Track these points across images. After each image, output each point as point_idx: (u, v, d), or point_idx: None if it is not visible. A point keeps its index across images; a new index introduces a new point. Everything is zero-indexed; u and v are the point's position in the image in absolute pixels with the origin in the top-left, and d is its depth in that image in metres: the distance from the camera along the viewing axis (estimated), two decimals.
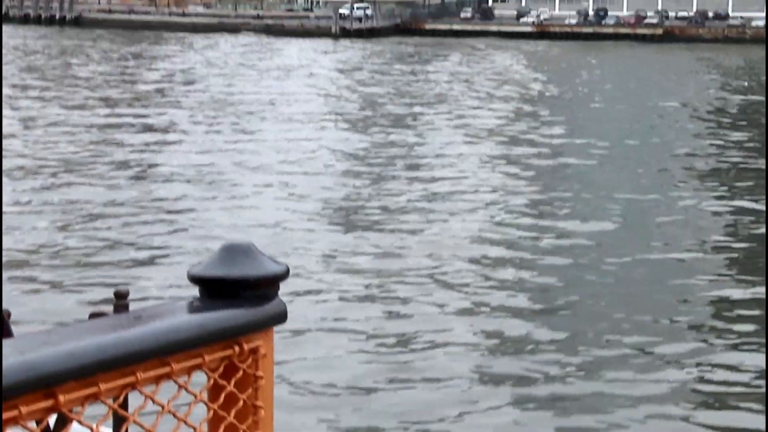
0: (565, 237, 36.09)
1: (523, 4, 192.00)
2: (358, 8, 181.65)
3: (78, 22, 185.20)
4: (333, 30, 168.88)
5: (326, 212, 41.99)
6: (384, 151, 59.89)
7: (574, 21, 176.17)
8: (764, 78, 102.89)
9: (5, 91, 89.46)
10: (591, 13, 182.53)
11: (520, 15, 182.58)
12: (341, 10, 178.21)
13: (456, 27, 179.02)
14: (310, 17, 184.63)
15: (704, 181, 48.98)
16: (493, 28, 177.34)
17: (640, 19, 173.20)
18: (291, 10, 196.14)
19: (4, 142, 60.26)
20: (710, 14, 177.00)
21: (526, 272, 31.11)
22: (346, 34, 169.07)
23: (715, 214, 40.61)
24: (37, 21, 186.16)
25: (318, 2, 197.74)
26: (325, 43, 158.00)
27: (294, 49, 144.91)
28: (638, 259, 31.92)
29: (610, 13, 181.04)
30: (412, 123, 76.18)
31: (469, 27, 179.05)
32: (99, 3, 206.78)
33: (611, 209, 42.12)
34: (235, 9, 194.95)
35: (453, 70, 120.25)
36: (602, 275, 30.35)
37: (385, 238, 36.88)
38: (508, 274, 30.60)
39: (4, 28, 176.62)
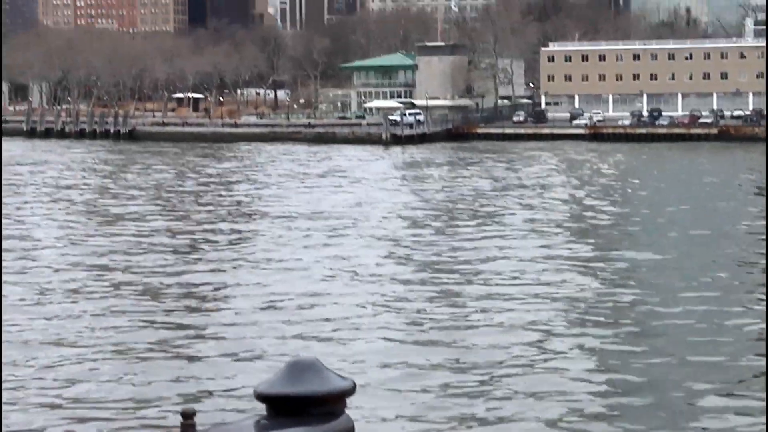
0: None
1: (576, 106, 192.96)
2: (409, 114, 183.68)
3: (132, 135, 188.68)
4: (383, 137, 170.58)
5: (399, 320, 42.30)
6: (455, 256, 60.77)
7: (627, 122, 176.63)
8: None
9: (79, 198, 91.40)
10: (645, 113, 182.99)
11: (573, 117, 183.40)
12: (392, 117, 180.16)
13: (508, 131, 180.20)
14: (361, 125, 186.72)
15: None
16: (546, 130, 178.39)
17: (694, 119, 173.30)
18: (344, 117, 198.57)
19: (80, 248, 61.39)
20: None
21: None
22: (396, 140, 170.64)
23: None
24: (92, 136, 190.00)
25: (370, 109, 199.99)
26: (376, 150, 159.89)
27: (346, 157, 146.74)
28: None
29: (664, 113, 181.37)
30: (474, 226, 76.71)
31: (521, 130, 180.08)
32: (153, 116, 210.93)
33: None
34: (288, 118, 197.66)
35: (506, 174, 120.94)
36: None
37: (451, 335, 37.06)
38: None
39: (62, 143, 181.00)
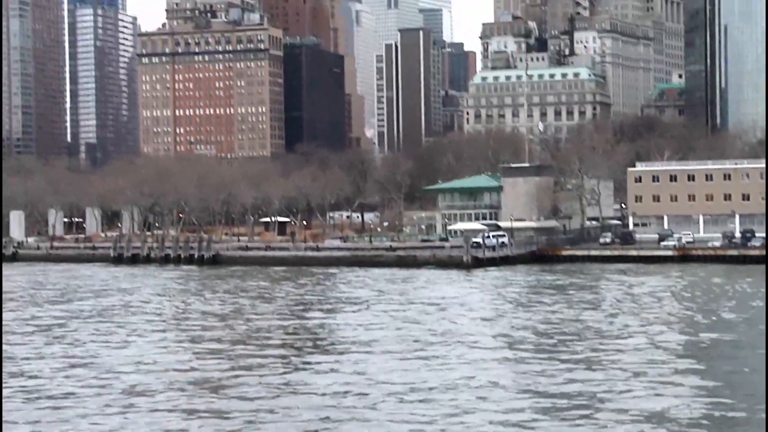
0: None
1: (666, 227, 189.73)
2: (493, 236, 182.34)
3: (216, 260, 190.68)
4: (465, 259, 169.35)
5: None
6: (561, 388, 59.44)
7: (718, 243, 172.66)
8: None
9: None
10: (738, 235, 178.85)
11: (661, 239, 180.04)
12: (475, 239, 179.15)
13: (594, 253, 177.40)
14: (444, 247, 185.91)
15: None
16: (633, 252, 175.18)
17: None
18: (427, 240, 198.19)
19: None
20: None
21: None
22: (478, 263, 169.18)
23: None
24: (177, 261, 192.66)
25: (454, 231, 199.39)
26: (458, 274, 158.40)
27: (426, 281, 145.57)
28: None
29: (758, 234, 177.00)
30: (571, 356, 74.63)
31: (607, 252, 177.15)
32: (239, 240, 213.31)
33: None
34: (371, 242, 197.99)
35: (596, 298, 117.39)
36: None
37: None
38: None
39: (148, 268, 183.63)
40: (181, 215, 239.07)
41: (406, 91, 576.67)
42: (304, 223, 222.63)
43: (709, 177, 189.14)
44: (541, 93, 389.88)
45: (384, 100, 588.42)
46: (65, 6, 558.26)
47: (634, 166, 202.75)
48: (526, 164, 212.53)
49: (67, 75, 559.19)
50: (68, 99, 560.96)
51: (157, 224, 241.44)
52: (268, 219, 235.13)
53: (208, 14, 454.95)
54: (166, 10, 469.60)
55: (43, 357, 79.56)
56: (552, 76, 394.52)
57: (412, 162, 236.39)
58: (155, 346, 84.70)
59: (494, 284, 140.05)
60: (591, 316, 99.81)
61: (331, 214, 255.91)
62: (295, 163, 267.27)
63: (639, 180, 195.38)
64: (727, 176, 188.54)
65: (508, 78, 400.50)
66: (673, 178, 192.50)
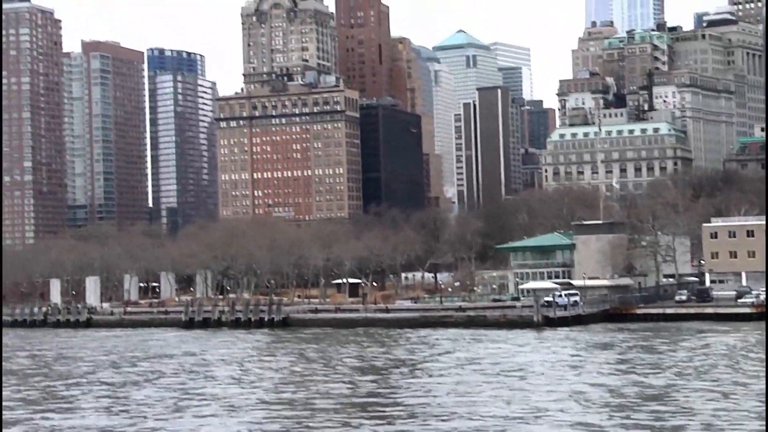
0: None
1: (744, 283, 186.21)
2: (565, 295, 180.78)
3: (286, 323, 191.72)
4: (535, 319, 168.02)
5: None
6: None
7: None
8: None
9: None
10: None
11: (739, 296, 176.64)
12: (546, 298, 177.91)
13: (669, 311, 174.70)
14: (516, 306, 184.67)
15: None
16: (709, 310, 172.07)
17: None
18: (498, 300, 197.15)
19: None
20: None
21: None
22: (549, 322, 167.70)
23: None
24: (248, 325, 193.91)
25: (526, 291, 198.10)
26: (527, 334, 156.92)
27: (496, 342, 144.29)
28: None
29: None
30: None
31: (682, 310, 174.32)
32: (309, 302, 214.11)
33: None
34: (441, 302, 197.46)
35: (676, 361, 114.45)
36: None
37: None
38: None
39: (218, 332, 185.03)
40: (250, 279, 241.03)
41: (485, 150, 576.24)
42: (374, 284, 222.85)
43: None
44: (620, 149, 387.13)
45: (463, 159, 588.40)
46: (145, 73, 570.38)
47: (710, 221, 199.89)
48: (599, 221, 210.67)
49: (148, 140, 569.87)
50: (149, 164, 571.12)
51: (228, 287, 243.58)
52: (340, 281, 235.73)
53: (285, 78, 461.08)
54: (244, 75, 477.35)
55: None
56: (631, 131, 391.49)
57: (482, 221, 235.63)
58: (223, 408, 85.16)
59: (566, 345, 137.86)
60: (678, 383, 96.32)
61: (405, 275, 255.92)
62: (370, 223, 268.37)
63: (715, 236, 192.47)
64: None
65: (585, 135, 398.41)
66: (750, 233, 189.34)
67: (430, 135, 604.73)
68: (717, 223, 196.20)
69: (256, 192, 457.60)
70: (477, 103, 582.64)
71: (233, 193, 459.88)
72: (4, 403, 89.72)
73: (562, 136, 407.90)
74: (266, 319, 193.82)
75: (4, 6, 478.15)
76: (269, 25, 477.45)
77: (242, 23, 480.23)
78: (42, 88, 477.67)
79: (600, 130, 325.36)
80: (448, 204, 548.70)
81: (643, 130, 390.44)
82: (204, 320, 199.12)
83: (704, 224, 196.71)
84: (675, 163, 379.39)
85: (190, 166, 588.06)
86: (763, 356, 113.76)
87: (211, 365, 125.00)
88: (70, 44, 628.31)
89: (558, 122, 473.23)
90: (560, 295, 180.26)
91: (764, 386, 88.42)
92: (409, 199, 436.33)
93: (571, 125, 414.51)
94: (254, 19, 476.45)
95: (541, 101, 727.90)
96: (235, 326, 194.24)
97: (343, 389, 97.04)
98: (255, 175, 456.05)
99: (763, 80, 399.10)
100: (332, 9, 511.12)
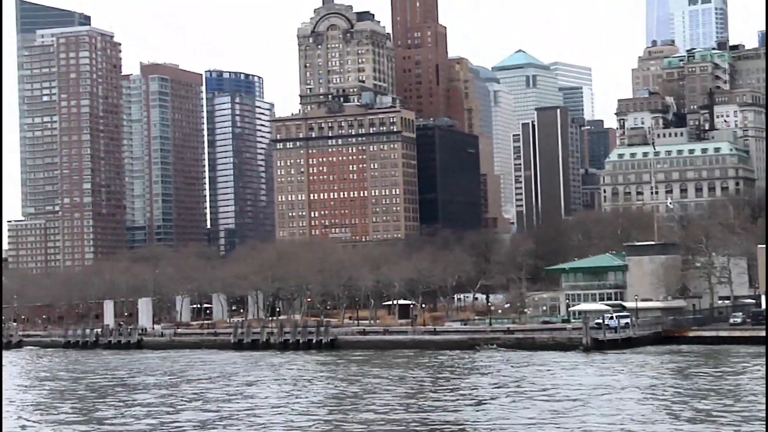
0: None
1: None
2: (617, 317, 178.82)
3: (333, 345, 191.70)
4: (584, 341, 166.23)
5: None
6: None
7: None
8: None
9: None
10: None
11: None
12: (597, 320, 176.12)
13: (722, 333, 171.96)
14: (566, 329, 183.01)
15: None
16: (763, 333, 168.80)
17: None
18: (547, 322, 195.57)
19: None
20: None
21: None
22: (598, 345, 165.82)
23: None
24: (296, 346, 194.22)
25: (577, 313, 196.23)
26: (575, 357, 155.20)
27: (543, 365, 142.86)
28: None
29: None
30: None
31: (736, 333, 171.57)
32: (358, 324, 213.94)
33: None
34: (490, 324, 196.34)
35: (743, 387, 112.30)
36: None
37: None
38: None
39: (266, 354, 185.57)
40: (309, 299, 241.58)
41: (544, 170, 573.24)
42: (422, 306, 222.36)
43: None
44: (680, 169, 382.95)
45: (522, 179, 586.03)
46: (204, 95, 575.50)
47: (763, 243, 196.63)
48: (652, 242, 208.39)
49: (206, 162, 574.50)
50: (207, 186, 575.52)
51: (279, 309, 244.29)
52: (390, 302, 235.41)
53: (341, 99, 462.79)
54: (300, 96, 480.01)
55: None
56: (691, 151, 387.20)
57: (534, 242, 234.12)
58: None
59: (619, 368, 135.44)
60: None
61: (458, 296, 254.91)
62: (423, 245, 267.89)
63: None
64: None
65: (644, 154, 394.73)
66: None
67: (488, 155, 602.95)
68: None
69: (312, 213, 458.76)
70: (536, 123, 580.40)
71: (290, 214, 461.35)
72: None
73: (620, 156, 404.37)
74: (314, 341, 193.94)
75: (65, 30, 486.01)
76: (326, 46, 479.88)
77: (299, 44, 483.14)
78: (101, 111, 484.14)
79: (654, 149, 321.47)
80: (506, 225, 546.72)
81: (704, 150, 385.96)
82: (252, 342, 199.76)
83: (759, 245, 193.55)
84: (737, 183, 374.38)
85: (248, 188, 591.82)
86: None
87: (256, 387, 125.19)
88: (129, 66, 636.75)
89: (618, 142, 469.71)
90: (611, 317, 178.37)
91: None
92: (467, 219, 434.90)
93: (630, 145, 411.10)
94: (311, 40, 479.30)
95: (602, 121, 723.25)
96: (284, 348, 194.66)
97: (395, 417, 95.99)
98: (312, 196, 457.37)
99: None
100: (389, 30, 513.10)
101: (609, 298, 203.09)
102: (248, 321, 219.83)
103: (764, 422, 47.06)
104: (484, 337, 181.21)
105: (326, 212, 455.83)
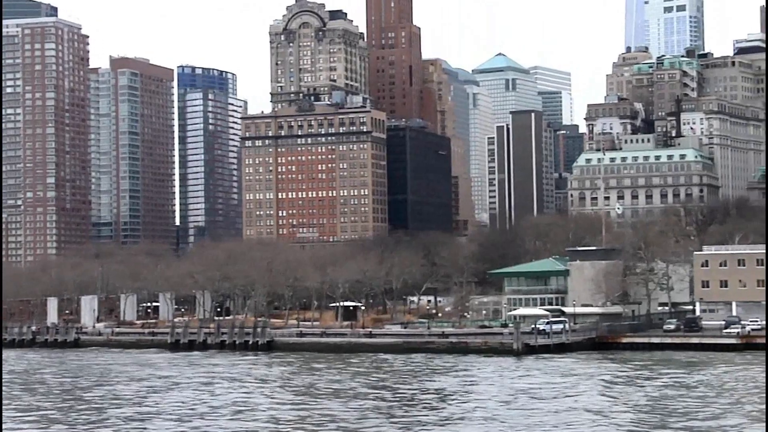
0: None
1: (734, 313, 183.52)
2: (552, 322, 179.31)
3: (270, 346, 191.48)
4: (515, 347, 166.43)
5: None
6: None
7: None
8: None
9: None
10: None
11: (728, 326, 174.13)
12: (536, 325, 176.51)
13: (654, 340, 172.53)
14: (503, 333, 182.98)
15: None
16: (695, 340, 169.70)
17: None
18: (484, 326, 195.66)
19: None
20: None
21: None
22: (531, 350, 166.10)
23: None
24: (232, 347, 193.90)
25: (516, 317, 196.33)
26: (506, 362, 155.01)
27: (471, 370, 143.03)
28: None
29: None
30: None
31: (668, 339, 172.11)
32: (298, 326, 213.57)
33: None
34: (428, 327, 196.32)
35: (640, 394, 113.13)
36: None
37: None
38: None
39: (199, 354, 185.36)
40: (265, 299, 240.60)
41: (517, 174, 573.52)
42: (363, 308, 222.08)
43: None
44: (646, 175, 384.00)
45: (496, 182, 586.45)
46: (175, 91, 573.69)
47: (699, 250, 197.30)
48: (594, 248, 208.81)
49: (177, 159, 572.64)
50: (177, 183, 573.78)
51: (229, 309, 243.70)
52: (337, 304, 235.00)
53: (312, 97, 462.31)
54: (271, 94, 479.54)
55: None
56: (657, 157, 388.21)
57: (478, 246, 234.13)
58: None
59: (545, 374, 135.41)
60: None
61: (411, 299, 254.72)
62: (374, 246, 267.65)
63: (706, 264, 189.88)
64: None
65: (612, 160, 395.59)
66: (741, 262, 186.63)
67: (460, 157, 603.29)
68: (708, 251, 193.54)
69: (280, 212, 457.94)
70: (510, 127, 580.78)
71: (258, 213, 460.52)
72: None
73: (588, 161, 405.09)
74: (251, 342, 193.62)
75: (31, 21, 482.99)
76: (297, 44, 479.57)
77: (270, 42, 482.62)
78: (67, 104, 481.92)
79: (604, 155, 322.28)
80: (478, 228, 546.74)
81: (670, 157, 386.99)
82: (190, 342, 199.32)
83: (695, 252, 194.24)
84: (701, 190, 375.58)
85: (219, 185, 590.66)
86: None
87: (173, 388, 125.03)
88: (99, 60, 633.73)
89: (587, 147, 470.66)
90: (547, 322, 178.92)
91: None
92: (437, 221, 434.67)
93: (598, 150, 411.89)
94: (283, 38, 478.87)
95: (577, 126, 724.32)
96: (221, 349, 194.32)
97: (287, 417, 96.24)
98: (280, 195, 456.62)
99: None
100: (363, 29, 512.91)
101: (551, 303, 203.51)
102: (187, 321, 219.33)
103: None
104: (418, 341, 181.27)
105: (294, 211, 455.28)
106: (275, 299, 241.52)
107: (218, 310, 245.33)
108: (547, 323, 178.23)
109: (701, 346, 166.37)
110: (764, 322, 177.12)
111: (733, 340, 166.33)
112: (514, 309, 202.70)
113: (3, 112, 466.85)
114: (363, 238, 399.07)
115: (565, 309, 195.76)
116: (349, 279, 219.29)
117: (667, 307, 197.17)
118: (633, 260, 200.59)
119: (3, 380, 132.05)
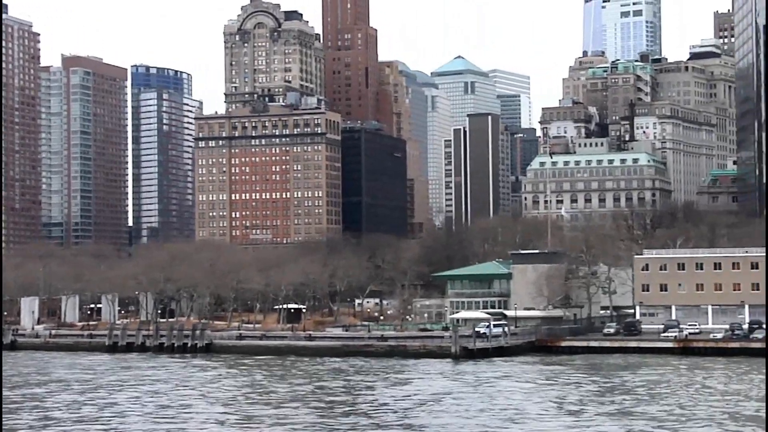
0: None
1: (673, 317, 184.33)
2: (494, 326, 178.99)
3: (209, 349, 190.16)
4: (453, 350, 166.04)
5: None
6: None
7: (719, 335, 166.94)
8: None
9: None
10: (744, 326, 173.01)
11: (666, 329, 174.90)
12: (477, 328, 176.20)
13: (593, 344, 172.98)
14: (443, 337, 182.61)
15: None
16: (633, 344, 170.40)
17: None
18: (425, 329, 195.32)
19: None
20: None
21: None
22: (469, 354, 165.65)
23: None
24: (171, 350, 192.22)
25: (459, 321, 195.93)
26: (443, 366, 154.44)
27: (404, 373, 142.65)
28: None
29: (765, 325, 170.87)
30: None
31: (607, 343, 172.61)
32: (239, 328, 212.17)
33: None
34: (369, 331, 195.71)
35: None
36: None
37: None
38: None
39: (142, 356, 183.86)
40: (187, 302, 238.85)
41: (474, 177, 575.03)
42: (304, 311, 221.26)
43: (717, 265, 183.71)
44: (599, 179, 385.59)
45: (452, 185, 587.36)
46: (129, 90, 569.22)
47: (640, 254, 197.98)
48: (536, 251, 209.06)
49: (130, 159, 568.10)
50: (130, 183, 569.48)
51: (171, 310, 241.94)
52: (283, 306, 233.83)
53: (266, 98, 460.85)
54: (225, 94, 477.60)
55: None
56: (611, 161, 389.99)
57: (420, 249, 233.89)
58: None
59: (482, 378, 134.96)
60: None
61: (359, 301, 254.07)
62: (320, 248, 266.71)
63: (646, 268, 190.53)
64: (735, 265, 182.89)
65: (566, 163, 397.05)
66: (680, 266, 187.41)
67: (417, 160, 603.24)
68: (648, 255, 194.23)
69: (234, 213, 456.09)
70: (467, 130, 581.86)
71: (211, 214, 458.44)
72: None
73: (542, 164, 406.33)
74: (189, 345, 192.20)
75: None
76: (252, 44, 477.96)
77: (225, 42, 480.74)
78: (17, 102, 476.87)
79: (552, 158, 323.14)
80: (433, 230, 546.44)
81: (623, 161, 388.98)
82: (128, 345, 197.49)
83: (636, 256, 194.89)
84: (653, 194, 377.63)
85: (173, 186, 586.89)
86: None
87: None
88: (50, 58, 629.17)
89: (541, 150, 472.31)
90: (488, 326, 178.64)
91: None
92: (392, 224, 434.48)
93: (552, 153, 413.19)
94: (237, 38, 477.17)
95: (535, 129, 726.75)
96: (159, 351, 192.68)
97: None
98: (233, 196, 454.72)
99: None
100: (319, 30, 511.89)
101: (493, 306, 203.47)
102: (126, 324, 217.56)
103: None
104: (357, 344, 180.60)
105: (247, 213, 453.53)
106: (221, 301, 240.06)
107: (162, 312, 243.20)
108: (487, 327, 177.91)
109: (639, 350, 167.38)
110: (701, 327, 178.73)
111: (669, 344, 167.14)
112: (457, 312, 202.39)
113: None
114: (315, 240, 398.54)
115: (507, 312, 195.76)
116: (292, 281, 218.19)
117: (608, 311, 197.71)
118: (576, 264, 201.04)
119: None
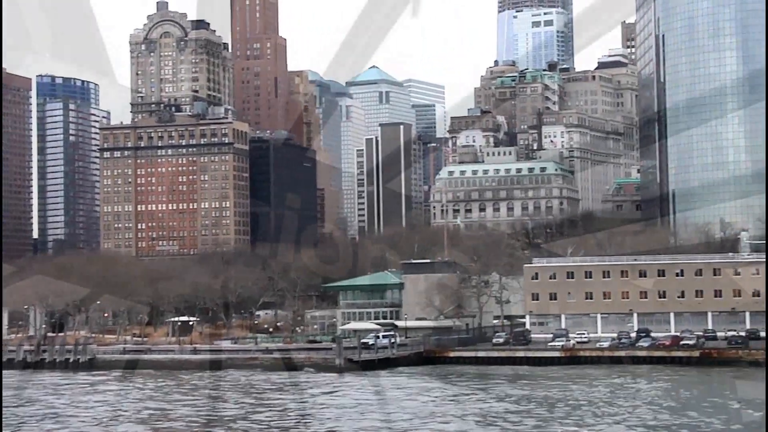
0: None
1: (563, 326, 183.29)
2: (383, 336, 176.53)
3: (92, 364, 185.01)
4: (337, 362, 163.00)
5: None
6: None
7: (606, 344, 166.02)
8: None
9: None
10: (633, 334, 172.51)
11: (555, 338, 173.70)
12: (365, 339, 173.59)
13: (481, 354, 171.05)
14: (332, 348, 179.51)
15: None
16: (520, 353, 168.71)
17: (676, 341, 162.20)
18: (313, 341, 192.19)
19: None
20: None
21: None
22: (353, 366, 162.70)
23: None
24: (52, 366, 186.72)
25: (349, 332, 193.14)
26: (326, 378, 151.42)
27: (278, 386, 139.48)
28: None
29: (656, 333, 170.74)
30: None
31: (494, 353, 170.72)
32: (125, 342, 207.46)
33: None
34: (256, 343, 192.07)
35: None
36: None
37: None
38: None
39: (23, 373, 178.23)
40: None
41: (386, 186, 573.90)
42: (193, 324, 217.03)
43: (606, 274, 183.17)
44: (508, 188, 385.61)
45: (365, 194, 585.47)
46: (33, 101, 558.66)
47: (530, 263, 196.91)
48: (427, 260, 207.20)
49: (35, 170, 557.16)
50: (35, 194, 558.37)
51: (61, 325, 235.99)
52: (173, 319, 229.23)
53: (173, 108, 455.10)
54: (131, 104, 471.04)
55: None
56: (519, 170, 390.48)
57: (308, 258, 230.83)
58: None
59: (360, 393, 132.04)
60: None
61: (259, 313, 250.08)
62: (223, 259, 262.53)
63: (536, 277, 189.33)
64: (624, 273, 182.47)
65: (474, 172, 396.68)
66: (570, 275, 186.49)
67: (327, 170, 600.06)
68: (538, 263, 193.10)
69: (139, 225, 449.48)
70: (379, 139, 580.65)
71: (116, 225, 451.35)
72: None
73: (450, 173, 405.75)
74: (72, 360, 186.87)
75: None
76: (158, 53, 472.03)
77: (131, 52, 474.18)
78: None
79: (449, 171, 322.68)
80: (342, 236, 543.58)
81: (531, 170, 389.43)
82: (9, 361, 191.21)
83: (525, 265, 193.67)
84: (561, 203, 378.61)
85: (79, 197, 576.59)
86: None
87: None
88: None
89: (450, 159, 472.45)
90: (378, 337, 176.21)
91: None
92: (301, 234, 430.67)
93: (461, 162, 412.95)
94: (143, 47, 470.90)
95: (449, 139, 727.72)
96: (39, 368, 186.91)
97: None
98: (139, 207, 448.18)
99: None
100: (228, 40, 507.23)
101: (385, 317, 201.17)
102: (10, 339, 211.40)
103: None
104: (242, 357, 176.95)
105: (154, 224, 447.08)
106: (114, 315, 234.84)
107: (52, 327, 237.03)
108: (375, 338, 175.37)
109: (526, 360, 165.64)
110: (590, 335, 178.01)
111: (556, 353, 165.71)
112: (347, 323, 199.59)
113: None
114: (212, 251, 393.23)
115: (398, 323, 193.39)
116: (180, 293, 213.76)
117: (498, 321, 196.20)
118: (468, 273, 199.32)
119: None
